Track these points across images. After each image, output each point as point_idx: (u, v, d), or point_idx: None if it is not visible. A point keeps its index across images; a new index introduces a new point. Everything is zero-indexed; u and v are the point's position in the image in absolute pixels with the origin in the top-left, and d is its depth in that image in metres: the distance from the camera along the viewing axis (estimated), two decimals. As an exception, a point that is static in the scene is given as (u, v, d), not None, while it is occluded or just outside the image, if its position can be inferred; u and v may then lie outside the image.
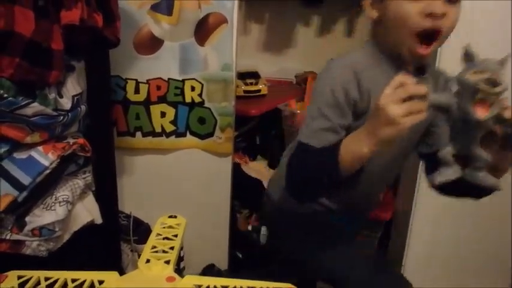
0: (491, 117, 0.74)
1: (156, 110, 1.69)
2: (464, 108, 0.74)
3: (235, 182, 1.86)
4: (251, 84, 2.19)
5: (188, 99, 1.69)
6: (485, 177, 0.82)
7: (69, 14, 1.04)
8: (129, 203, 1.74)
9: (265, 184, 2.01)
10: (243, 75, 2.25)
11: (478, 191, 0.89)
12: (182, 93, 1.68)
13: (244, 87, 2.17)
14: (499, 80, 0.72)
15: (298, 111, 1.91)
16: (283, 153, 1.38)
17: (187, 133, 1.74)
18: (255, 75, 2.26)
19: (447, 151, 0.82)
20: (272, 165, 2.11)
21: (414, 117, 0.75)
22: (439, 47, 0.95)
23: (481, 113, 0.74)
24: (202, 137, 1.74)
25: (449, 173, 0.82)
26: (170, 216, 1.01)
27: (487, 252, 1.13)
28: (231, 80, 1.67)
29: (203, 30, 1.62)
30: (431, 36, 0.91)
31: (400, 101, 0.75)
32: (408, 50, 0.93)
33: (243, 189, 2.03)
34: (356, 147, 0.85)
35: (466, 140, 0.79)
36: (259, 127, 2.20)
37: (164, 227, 0.95)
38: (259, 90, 2.18)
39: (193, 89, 1.68)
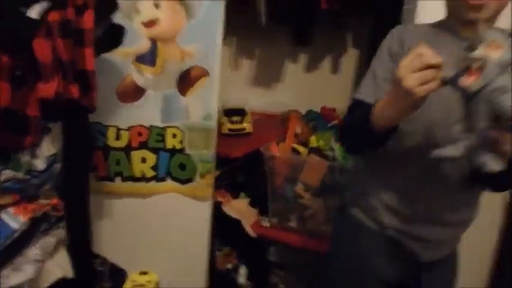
0: (481, 87, 0.71)
1: (136, 155, 1.73)
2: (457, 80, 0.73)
3: (216, 220, 1.90)
4: (236, 122, 2.23)
5: (169, 146, 1.73)
6: (481, 156, 0.77)
7: (45, 87, 1.08)
8: (108, 248, 1.77)
9: (245, 224, 2.05)
10: (229, 112, 2.29)
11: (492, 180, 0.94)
12: (163, 140, 1.72)
13: (229, 126, 2.21)
14: (478, 45, 0.70)
15: (278, 155, 1.95)
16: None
17: (168, 178, 1.77)
18: (241, 113, 2.30)
19: (456, 127, 0.80)
20: (254, 204, 2.14)
21: (428, 87, 0.76)
22: (495, 16, 0.98)
23: (466, 81, 0.72)
24: (182, 181, 1.77)
25: (448, 150, 0.81)
26: (141, 273, 1.03)
27: (464, 252, 1.16)
28: (213, 129, 1.71)
29: (186, 81, 1.66)
30: None
31: (415, 71, 0.77)
32: (460, 17, 0.98)
33: (224, 228, 2.06)
34: (384, 109, 0.89)
35: (472, 118, 0.75)
36: (243, 165, 2.23)
37: (135, 286, 0.97)
38: (244, 129, 2.22)
39: (174, 136, 1.72)
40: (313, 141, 2.08)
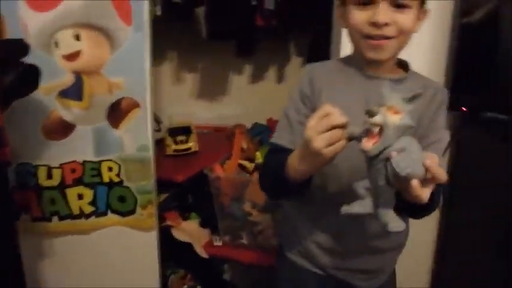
0: (379, 151, 0.71)
1: (72, 193, 1.67)
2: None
3: (167, 244, 1.88)
4: (181, 142, 2.19)
5: (106, 180, 1.68)
6: (384, 216, 0.77)
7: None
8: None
9: (196, 247, 2.02)
10: (174, 132, 2.25)
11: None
12: (99, 174, 1.67)
13: (174, 147, 2.17)
14: (376, 110, 0.71)
15: (222, 176, 1.92)
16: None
17: (108, 212, 1.73)
18: (186, 131, 2.26)
19: (362, 184, 0.79)
20: (205, 224, 2.11)
21: (335, 148, 0.78)
22: (396, 53, 1.00)
23: (366, 145, 0.73)
24: (123, 214, 1.73)
25: (356, 207, 0.80)
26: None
27: (405, 251, 1.17)
28: (149, 160, 1.67)
29: (116, 113, 1.62)
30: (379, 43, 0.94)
31: (322, 132, 0.77)
32: (361, 54, 0.98)
33: (176, 252, 2.03)
34: (297, 163, 0.88)
35: (372, 173, 0.75)
36: (191, 186, 2.19)
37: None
38: (189, 148, 2.18)
39: (110, 169, 1.67)
40: (259, 156, 2.06)
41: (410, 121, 0.71)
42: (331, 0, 1.50)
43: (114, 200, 1.71)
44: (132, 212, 1.72)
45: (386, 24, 0.91)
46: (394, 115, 0.70)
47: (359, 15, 0.93)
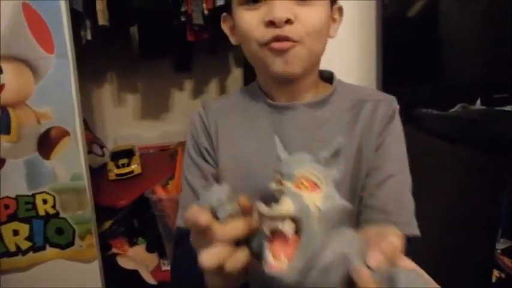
0: (300, 274, 0.39)
1: (7, 229, 1.62)
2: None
3: (113, 272, 1.85)
4: (123, 165, 2.16)
5: (42, 213, 1.64)
6: None
7: None
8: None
9: (143, 274, 1.99)
10: (115, 155, 2.22)
11: None
12: (34, 208, 1.63)
13: (116, 171, 2.13)
14: (278, 190, 0.40)
15: (164, 197, 1.90)
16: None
17: (47, 246, 1.68)
18: (128, 154, 2.23)
19: None
20: (151, 248, 2.08)
21: (234, 263, 0.47)
22: (311, 65, 0.74)
23: (271, 266, 0.40)
24: (63, 247, 1.68)
25: None
26: None
27: None
28: (84, 188, 1.63)
29: (46, 144, 1.58)
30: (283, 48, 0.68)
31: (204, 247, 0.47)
32: (265, 71, 0.72)
33: (122, 280, 1.99)
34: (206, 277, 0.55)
35: None
36: (136, 209, 2.16)
37: None
38: (132, 172, 2.15)
39: (45, 202, 1.63)
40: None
41: (339, 198, 0.41)
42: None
43: (51, 233, 1.66)
44: (71, 243, 1.68)
45: (287, 22, 0.66)
46: (310, 192, 0.40)
47: (250, 17, 0.69)
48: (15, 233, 1.63)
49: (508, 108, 1.68)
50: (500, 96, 1.77)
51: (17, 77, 1.53)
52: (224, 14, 0.79)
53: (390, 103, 0.77)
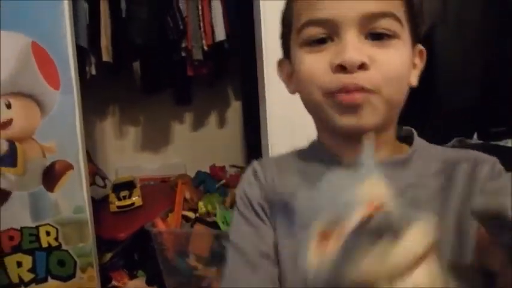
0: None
1: (11, 261, 1.65)
2: None
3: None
4: (124, 197, 2.19)
5: (45, 245, 1.67)
6: None
7: None
8: None
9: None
10: (117, 187, 2.25)
11: None
12: (38, 240, 1.66)
13: (117, 203, 2.17)
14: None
15: (164, 230, 1.93)
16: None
17: (49, 278, 1.70)
18: (129, 186, 2.27)
19: None
20: (151, 281, 2.10)
21: None
22: (389, 118, 0.60)
23: None
24: (64, 279, 1.71)
25: None
26: None
27: None
28: (86, 221, 1.67)
29: (50, 177, 1.62)
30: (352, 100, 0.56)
31: None
32: (330, 125, 0.59)
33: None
34: None
35: None
36: (136, 241, 2.18)
37: None
38: (133, 204, 2.18)
39: (48, 233, 1.66)
40: (201, 206, 2.08)
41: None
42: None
43: (53, 264, 1.69)
44: (72, 276, 1.71)
45: (361, 67, 0.54)
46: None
47: (314, 60, 0.57)
48: (19, 264, 1.66)
49: (505, 142, 1.70)
50: (497, 130, 1.78)
51: (25, 112, 1.59)
52: (280, 58, 0.68)
53: (494, 163, 0.61)
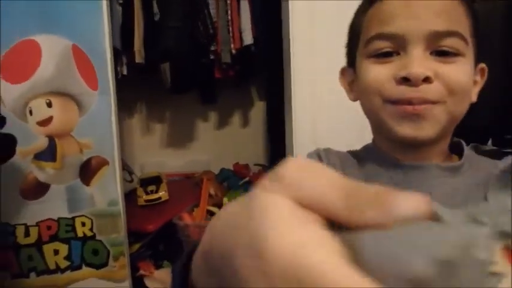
0: None
1: (49, 248, 1.76)
2: None
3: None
4: (151, 192, 2.30)
5: (80, 234, 1.78)
6: None
7: None
8: None
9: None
10: (144, 182, 2.36)
11: None
12: (73, 230, 1.77)
13: (145, 197, 2.28)
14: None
15: (191, 223, 2.03)
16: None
17: (83, 265, 1.81)
18: (156, 181, 2.38)
19: None
20: (177, 271, 2.20)
21: None
22: (448, 130, 0.63)
23: None
24: (97, 267, 1.82)
25: None
26: None
27: None
28: (119, 213, 1.77)
29: (87, 172, 1.73)
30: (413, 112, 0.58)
31: None
32: (388, 133, 0.62)
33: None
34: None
35: None
36: (162, 234, 2.29)
37: None
38: (159, 198, 2.29)
39: (83, 224, 1.77)
40: (226, 201, 2.18)
41: None
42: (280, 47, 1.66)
43: (88, 253, 1.80)
44: (105, 264, 1.81)
45: (426, 80, 0.57)
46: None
47: (379, 71, 0.60)
48: (56, 252, 1.77)
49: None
50: (510, 137, 1.84)
51: (64, 110, 1.69)
52: (343, 67, 0.72)
53: None
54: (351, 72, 0.69)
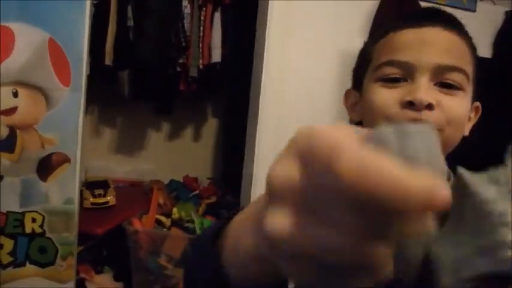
0: None
1: (-7, 242, 1.70)
2: None
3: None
4: (99, 195, 2.27)
5: (28, 230, 1.73)
6: None
7: None
8: None
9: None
10: (91, 185, 2.33)
11: None
12: (22, 225, 1.72)
13: (92, 200, 2.24)
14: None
15: (141, 230, 2.03)
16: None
17: (27, 263, 1.76)
18: (104, 185, 2.35)
19: None
20: (118, 277, 2.18)
21: None
22: (445, 152, 0.64)
23: None
24: (42, 265, 1.77)
25: None
26: None
27: None
28: (73, 213, 1.75)
29: (46, 167, 1.70)
30: None
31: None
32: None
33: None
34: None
35: None
36: (106, 239, 2.26)
37: None
38: (107, 202, 2.27)
39: (34, 220, 1.72)
40: (175, 212, 2.20)
41: None
42: (249, 68, 1.74)
43: (34, 251, 1.75)
44: (51, 263, 1.77)
45: (428, 106, 0.61)
46: None
47: (386, 95, 0.65)
48: (0, 247, 1.71)
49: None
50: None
51: (30, 103, 1.66)
52: (348, 89, 0.76)
53: None
54: (355, 94, 0.73)
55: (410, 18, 0.66)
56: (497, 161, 0.27)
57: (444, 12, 0.67)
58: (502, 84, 2.11)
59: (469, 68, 0.65)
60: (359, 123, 0.73)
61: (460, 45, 0.65)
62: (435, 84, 0.63)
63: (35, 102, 1.67)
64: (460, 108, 0.64)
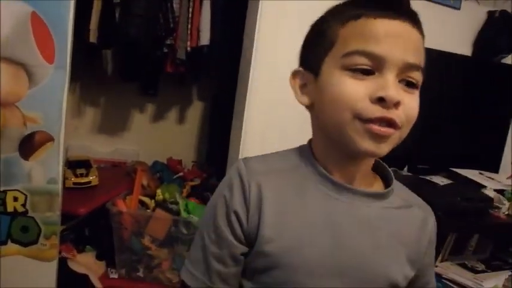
0: None
1: (-27, 221, 1.67)
2: None
3: (63, 276, 1.90)
4: (81, 175, 2.25)
5: (10, 209, 1.70)
6: None
7: None
8: None
9: (92, 278, 2.08)
10: (73, 164, 2.30)
11: None
12: (4, 204, 1.69)
13: (74, 179, 2.22)
14: None
15: (124, 210, 2.02)
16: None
17: (9, 241, 1.74)
18: (86, 165, 2.32)
19: None
20: (101, 257, 2.17)
21: None
22: (390, 148, 0.67)
23: None
24: (25, 244, 1.75)
25: None
26: None
27: None
28: (57, 192, 1.72)
29: (28, 146, 1.67)
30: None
31: None
32: (346, 145, 0.66)
33: (71, 283, 2.05)
34: None
35: None
36: (89, 219, 2.24)
37: None
38: (89, 182, 2.24)
39: (15, 199, 1.70)
40: (159, 193, 2.19)
41: None
42: (237, 51, 1.72)
43: (16, 229, 1.73)
44: (34, 242, 1.75)
45: (396, 104, 0.62)
46: None
47: (355, 87, 0.63)
48: (-19, 225, 1.68)
49: (429, 177, 2.01)
50: (422, 167, 2.12)
51: (13, 79, 1.62)
52: (297, 69, 0.73)
53: (434, 219, 0.77)
54: (307, 75, 0.71)
55: (381, 2, 0.64)
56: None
57: (408, 2, 0.66)
58: (480, 83, 2.17)
59: (423, 65, 0.67)
60: (309, 107, 0.73)
61: (421, 44, 0.66)
62: (399, 81, 0.64)
63: (16, 78, 1.62)
64: (417, 108, 0.66)
